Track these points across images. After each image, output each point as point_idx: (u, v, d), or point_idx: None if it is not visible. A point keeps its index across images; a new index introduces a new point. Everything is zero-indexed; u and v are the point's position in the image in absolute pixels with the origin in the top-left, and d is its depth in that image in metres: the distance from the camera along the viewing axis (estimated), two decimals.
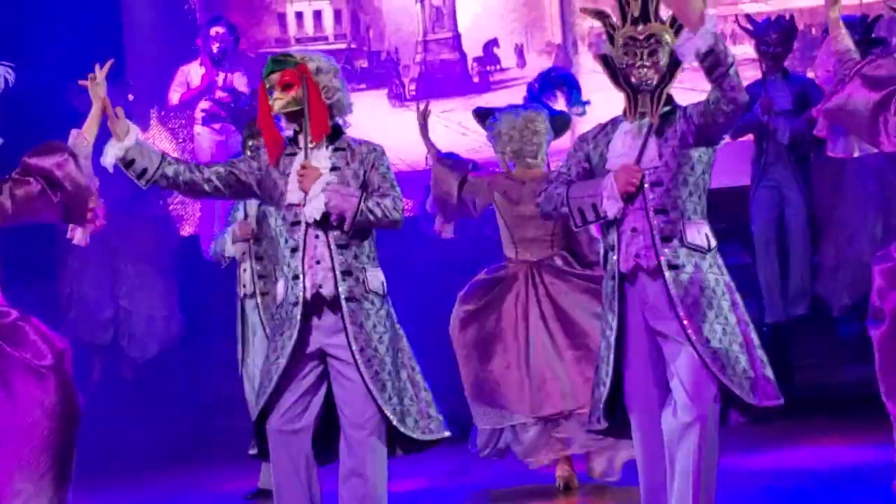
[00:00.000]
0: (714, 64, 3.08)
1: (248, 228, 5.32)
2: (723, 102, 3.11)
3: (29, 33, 7.07)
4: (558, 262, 4.72)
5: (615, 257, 3.37)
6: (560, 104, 4.95)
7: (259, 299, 5.42)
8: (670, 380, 3.31)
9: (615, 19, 3.43)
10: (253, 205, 5.21)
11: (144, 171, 3.59)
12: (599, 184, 3.34)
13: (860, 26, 6.01)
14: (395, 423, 3.53)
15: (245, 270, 5.49)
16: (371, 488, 3.57)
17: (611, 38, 3.40)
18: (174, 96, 7.25)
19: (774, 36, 6.43)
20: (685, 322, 3.24)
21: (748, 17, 6.64)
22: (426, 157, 5.36)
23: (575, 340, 4.60)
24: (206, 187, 3.69)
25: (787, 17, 6.65)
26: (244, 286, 5.49)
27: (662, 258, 3.29)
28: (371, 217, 3.55)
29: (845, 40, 3.46)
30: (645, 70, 3.30)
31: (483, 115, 5.03)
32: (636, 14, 3.32)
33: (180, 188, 3.74)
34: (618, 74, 3.34)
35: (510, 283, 4.71)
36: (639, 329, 3.36)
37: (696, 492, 3.24)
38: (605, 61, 3.35)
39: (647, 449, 3.36)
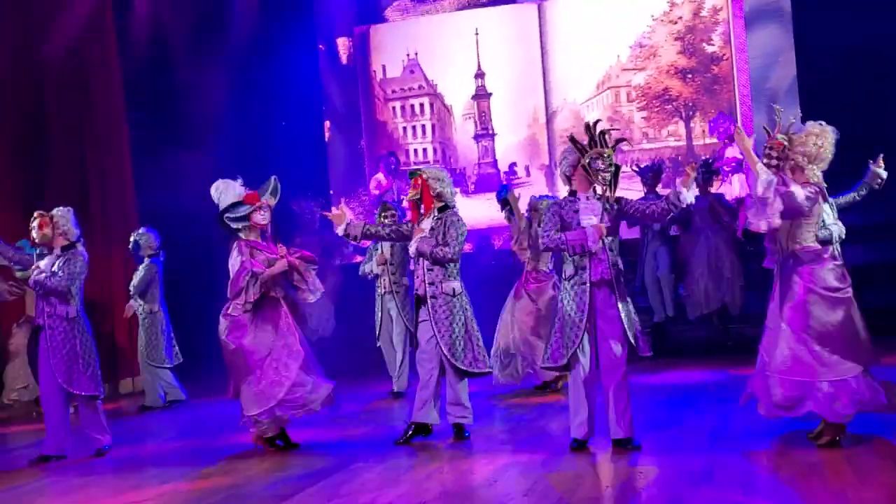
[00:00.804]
0: (673, 208, 5.31)
1: (384, 258, 8.36)
2: (653, 219, 5.75)
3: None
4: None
5: (586, 273, 5.37)
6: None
7: (395, 295, 8.37)
8: (601, 335, 5.37)
9: (585, 144, 5.39)
10: (386, 245, 8.26)
11: (355, 237, 6.17)
12: (584, 233, 5.30)
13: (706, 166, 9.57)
14: (448, 356, 5.99)
15: (384, 279, 8.40)
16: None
17: (582, 154, 5.37)
18: (374, 191, 11.24)
19: (650, 175, 9.85)
20: (622, 310, 5.36)
21: (636, 165, 10.26)
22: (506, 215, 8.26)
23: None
24: (388, 236, 6.36)
25: (657, 162, 10.27)
26: (384, 287, 8.42)
27: (614, 275, 5.36)
28: (435, 256, 5.99)
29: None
30: (605, 174, 5.35)
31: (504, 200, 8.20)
32: (598, 143, 5.35)
33: (372, 237, 6.41)
34: (591, 173, 5.35)
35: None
36: (598, 311, 5.37)
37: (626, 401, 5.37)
38: (585, 168, 5.35)
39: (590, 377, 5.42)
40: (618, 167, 5.46)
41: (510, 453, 5.70)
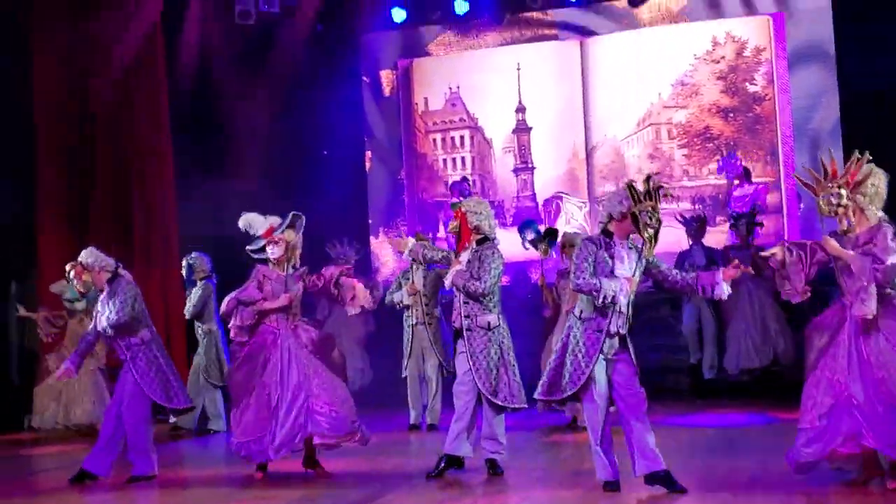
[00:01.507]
0: (701, 293, 5.45)
1: (415, 288, 8.37)
2: (674, 289, 5.62)
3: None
4: None
5: (605, 322, 5.28)
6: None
7: (427, 326, 8.42)
8: (616, 379, 5.32)
9: (642, 193, 5.27)
10: (418, 275, 8.36)
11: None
12: (619, 285, 5.21)
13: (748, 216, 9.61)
14: (484, 391, 5.98)
15: (416, 310, 8.39)
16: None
17: (635, 203, 5.27)
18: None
19: (695, 225, 9.75)
20: (632, 356, 5.35)
21: (680, 215, 10.06)
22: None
23: None
24: (441, 261, 6.37)
25: (702, 215, 10.10)
26: (415, 318, 8.38)
27: (626, 329, 5.33)
28: (468, 290, 6.00)
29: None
30: (650, 229, 5.26)
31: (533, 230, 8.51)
32: (647, 196, 5.25)
33: (431, 262, 6.49)
34: (639, 225, 5.25)
35: None
36: (602, 359, 5.30)
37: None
38: (634, 217, 5.27)
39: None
40: (660, 224, 5.34)
41: (543, 490, 5.68)
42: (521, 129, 12.57)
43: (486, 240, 6.15)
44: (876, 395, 5.00)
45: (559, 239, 8.40)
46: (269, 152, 11.88)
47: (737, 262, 5.49)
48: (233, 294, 6.34)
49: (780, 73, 11.43)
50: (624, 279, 5.26)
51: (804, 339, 5.41)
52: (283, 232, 6.33)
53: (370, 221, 12.82)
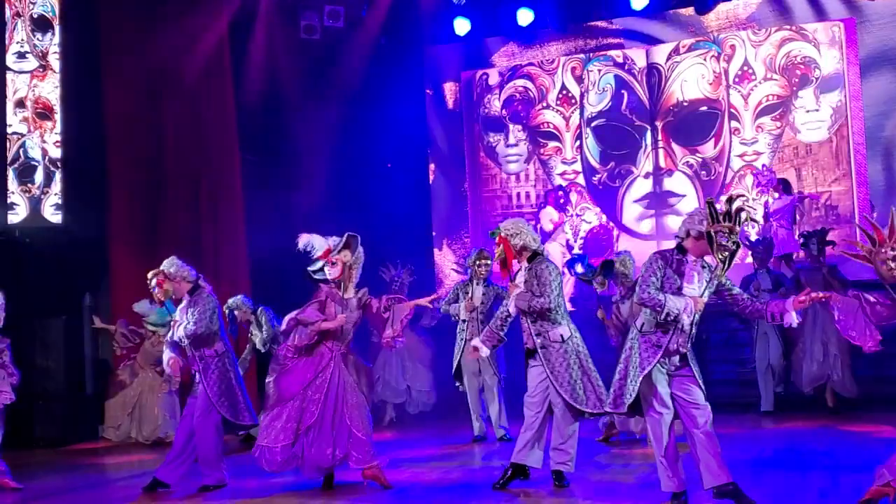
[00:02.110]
0: (770, 320, 5.32)
1: (472, 305, 8.41)
2: (743, 314, 5.49)
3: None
4: None
5: (665, 339, 5.23)
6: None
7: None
8: (678, 396, 5.27)
9: (722, 213, 5.18)
10: (478, 292, 8.39)
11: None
12: (684, 304, 5.17)
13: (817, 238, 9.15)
14: (571, 402, 5.93)
15: (471, 325, 8.32)
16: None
17: (713, 222, 5.16)
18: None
19: (761, 248, 9.54)
20: (698, 374, 5.27)
21: (746, 238, 9.74)
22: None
23: None
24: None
25: (769, 238, 9.83)
26: (469, 334, 8.20)
27: (689, 348, 5.27)
28: (533, 309, 6.00)
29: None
30: (725, 252, 5.17)
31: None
32: (725, 220, 5.16)
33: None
34: (714, 246, 5.16)
35: None
36: (665, 373, 5.28)
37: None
38: (710, 237, 5.18)
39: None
40: (738, 247, 5.26)
41: (609, 502, 5.60)
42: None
43: (535, 255, 6.15)
44: None
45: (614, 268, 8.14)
46: (335, 166, 12.03)
47: (808, 290, 5.35)
48: (293, 314, 6.38)
49: (851, 80, 11.19)
50: (690, 299, 5.21)
51: None
52: (339, 253, 6.36)
53: (434, 234, 12.91)
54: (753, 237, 10.19)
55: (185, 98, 10.90)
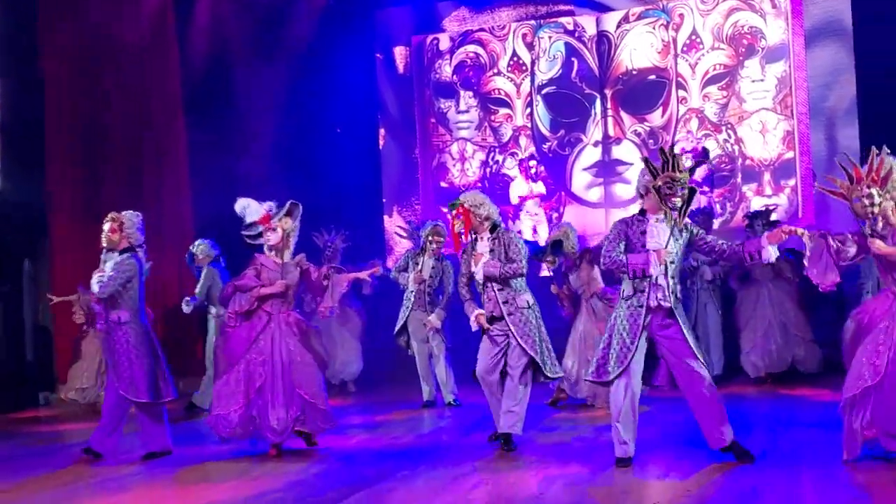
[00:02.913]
0: (748, 260, 5.36)
1: (421, 277, 8.54)
2: (721, 258, 5.69)
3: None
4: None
5: (644, 297, 5.34)
6: None
7: (427, 314, 8.47)
8: (668, 357, 5.40)
9: (659, 166, 5.32)
10: (427, 266, 8.48)
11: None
12: (647, 257, 5.29)
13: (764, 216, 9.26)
14: (539, 362, 6.11)
15: (418, 296, 8.51)
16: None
17: (654, 177, 5.32)
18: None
19: (700, 218, 9.27)
20: (687, 333, 5.32)
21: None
22: None
23: None
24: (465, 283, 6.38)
25: (707, 207, 10.01)
26: (416, 305, 8.51)
27: (672, 302, 5.33)
28: (506, 275, 6.12)
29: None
30: (675, 199, 5.29)
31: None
32: (671, 167, 5.29)
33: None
34: (661, 197, 5.29)
35: None
36: (655, 334, 5.40)
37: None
38: (657, 190, 5.31)
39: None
40: (692, 192, 5.38)
41: (558, 466, 5.68)
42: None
43: (496, 226, 6.30)
44: (891, 384, 5.07)
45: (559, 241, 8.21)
46: (283, 130, 11.88)
47: (786, 226, 5.42)
48: (231, 281, 6.52)
49: (796, 51, 11.32)
50: (652, 252, 5.31)
51: (845, 331, 5.46)
52: (280, 219, 6.43)
53: (384, 200, 12.84)
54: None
55: (127, 62, 10.76)
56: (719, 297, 9.55)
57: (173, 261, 10.44)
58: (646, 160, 5.44)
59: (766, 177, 11.34)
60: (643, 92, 11.94)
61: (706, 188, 10.81)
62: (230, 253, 9.18)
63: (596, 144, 12.12)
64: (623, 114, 12.03)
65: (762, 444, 5.93)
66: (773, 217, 9.65)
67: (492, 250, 6.21)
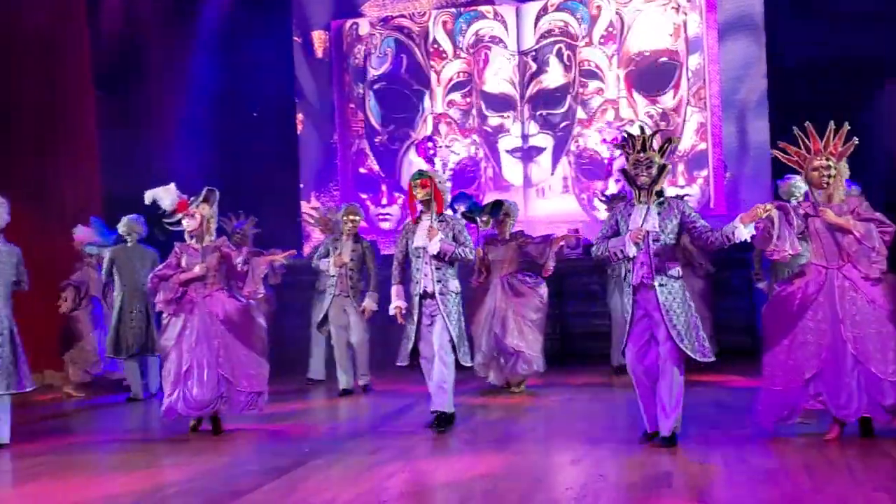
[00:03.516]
0: (727, 242, 5.32)
1: (342, 261, 8.46)
2: (706, 246, 5.55)
3: None
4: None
5: (630, 276, 5.48)
6: None
7: (353, 298, 8.48)
8: (656, 340, 5.45)
9: (629, 149, 5.49)
10: (347, 248, 8.46)
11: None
12: (622, 241, 5.46)
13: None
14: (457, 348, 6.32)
15: (339, 281, 8.45)
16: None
17: (627, 159, 5.50)
18: None
19: (613, 204, 8.80)
20: (665, 314, 5.35)
21: (602, 193, 10.38)
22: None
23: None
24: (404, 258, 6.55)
25: (623, 193, 9.39)
26: (339, 289, 8.45)
27: (656, 280, 5.40)
28: (458, 257, 6.36)
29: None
30: (644, 177, 5.42)
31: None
32: (639, 146, 5.45)
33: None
34: (631, 179, 5.48)
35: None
36: (640, 314, 5.50)
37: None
38: (625, 173, 5.55)
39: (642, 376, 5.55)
40: (662, 168, 5.45)
41: (473, 453, 5.69)
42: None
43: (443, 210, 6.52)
44: (834, 355, 5.39)
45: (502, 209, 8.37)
46: (197, 112, 11.61)
47: (764, 206, 5.38)
48: (154, 271, 6.72)
49: (710, 44, 11.54)
50: (629, 232, 5.44)
51: (771, 309, 5.67)
52: (197, 206, 6.59)
53: (301, 185, 12.66)
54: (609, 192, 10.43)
55: (37, 40, 10.38)
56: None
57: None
58: (620, 146, 5.60)
59: (680, 167, 11.54)
60: (554, 90, 12.01)
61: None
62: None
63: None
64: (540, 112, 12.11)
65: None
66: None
67: (442, 230, 6.36)
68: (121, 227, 8.84)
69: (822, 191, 5.50)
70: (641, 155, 5.41)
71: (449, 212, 6.97)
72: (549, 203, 11.87)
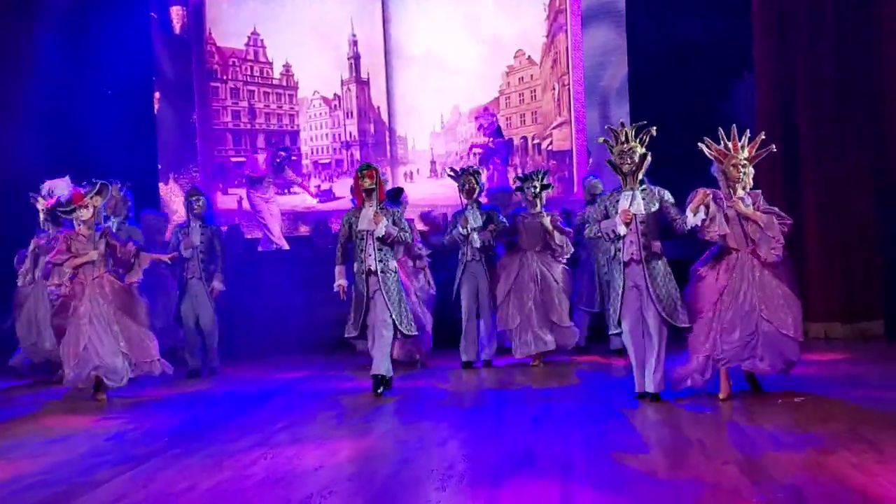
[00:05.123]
0: (684, 228, 6.15)
1: (192, 243, 8.69)
2: (675, 230, 6.26)
3: None
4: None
5: (621, 254, 6.31)
6: None
7: (203, 281, 8.74)
8: (643, 308, 6.24)
9: (613, 142, 6.39)
10: (196, 232, 8.67)
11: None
12: (611, 222, 6.30)
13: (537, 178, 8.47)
14: (396, 323, 7.11)
15: (192, 264, 8.74)
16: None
17: (611, 151, 6.42)
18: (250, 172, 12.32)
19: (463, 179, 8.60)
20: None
21: (451, 168, 8.97)
22: None
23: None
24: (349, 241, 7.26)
25: (475, 167, 9.11)
26: (192, 273, 8.71)
27: (643, 256, 6.26)
28: (401, 239, 7.34)
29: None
30: (625, 167, 6.34)
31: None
32: (623, 139, 6.35)
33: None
34: (618, 168, 6.37)
35: None
36: (630, 286, 6.31)
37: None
38: (611, 163, 6.43)
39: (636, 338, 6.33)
40: (643, 157, 6.31)
41: (339, 439, 5.62)
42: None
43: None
44: (743, 323, 6.18)
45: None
46: (48, 92, 10.97)
47: (704, 192, 6.16)
48: (47, 259, 7.51)
49: (573, 31, 11.71)
50: (618, 213, 6.25)
51: (692, 287, 6.38)
52: (91, 197, 7.30)
53: (159, 167, 12.21)
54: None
55: None
56: (489, 266, 8.67)
57: None
58: (605, 140, 6.43)
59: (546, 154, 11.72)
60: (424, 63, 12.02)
61: (497, 161, 11.01)
62: None
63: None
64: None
65: (535, 412, 6.17)
66: (547, 181, 8.74)
67: (383, 216, 7.13)
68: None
69: (737, 185, 6.26)
70: (625, 146, 6.30)
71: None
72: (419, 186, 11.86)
